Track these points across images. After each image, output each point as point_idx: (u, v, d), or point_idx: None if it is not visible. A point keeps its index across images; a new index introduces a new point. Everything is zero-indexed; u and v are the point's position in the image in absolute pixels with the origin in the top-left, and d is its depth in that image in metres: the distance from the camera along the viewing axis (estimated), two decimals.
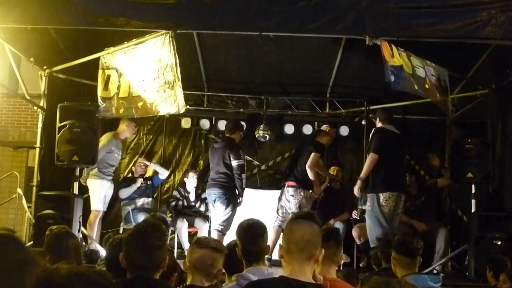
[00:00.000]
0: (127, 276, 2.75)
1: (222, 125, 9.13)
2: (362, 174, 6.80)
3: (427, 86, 6.48)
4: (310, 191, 7.70)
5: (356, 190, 6.90)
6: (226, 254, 3.54)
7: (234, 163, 7.62)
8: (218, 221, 7.58)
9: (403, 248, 4.07)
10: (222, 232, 7.46)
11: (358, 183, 6.83)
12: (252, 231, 3.43)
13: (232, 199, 7.58)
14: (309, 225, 2.58)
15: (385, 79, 6.03)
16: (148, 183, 8.62)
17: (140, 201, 8.36)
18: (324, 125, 8.45)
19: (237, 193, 7.61)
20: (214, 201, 7.63)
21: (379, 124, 7.10)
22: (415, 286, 1.86)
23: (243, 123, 9.42)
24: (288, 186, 7.70)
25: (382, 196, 6.67)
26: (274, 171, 9.84)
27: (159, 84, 6.51)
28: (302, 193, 7.62)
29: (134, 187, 8.35)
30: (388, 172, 6.75)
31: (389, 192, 6.68)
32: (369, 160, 6.75)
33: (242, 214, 7.20)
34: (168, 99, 6.52)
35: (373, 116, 7.26)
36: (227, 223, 7.51)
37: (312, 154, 7.64)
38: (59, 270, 1.51)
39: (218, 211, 7.62)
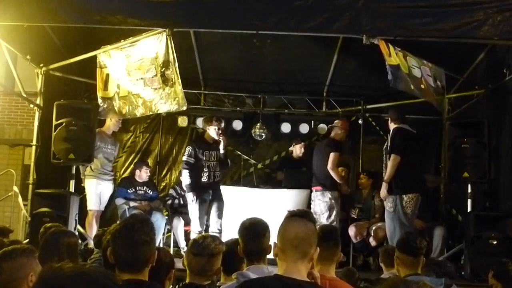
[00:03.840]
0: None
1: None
2: (387, 177, 6.67)
3: (422, 86, 6.49)
4: (337, 191, 7.69)
5: (383, 194, 6.76)
6: (223, 252, 3.54)
7: None
8: None
9: (406, 246, 4.06)
10: (193, 231, 7.47)
11: (384, 186, 6.71)
12: (254, 230, 3.43)
13: (187, 198, 7.56)
14: (303, 223, 2.55)
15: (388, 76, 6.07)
16: (148, 191, 8.48)
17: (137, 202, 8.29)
18: (336, 120, 8.28)
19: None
20: None
21: (392, 124, 7.00)
22: (432, 287, 1.84)
23: (239, 122, 9.45)
24: (316, 191, 7.76)
25: (405, 198, 6.63)
26: (271, 170, 9.85)
27: (157, 82, 6.51)
28: (329, 195, 7.63)
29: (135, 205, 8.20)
30: (409, 173, 6.68)
31: (411, 194, 6.65)
32: (393, 162, 6.61)
33: (239, 213, 7.19)
34: (168, 97, 6.53)
35: (386, 116, 7.17)
36: (192, 221, 7.51)
37: (332, 154, 7.63)
38: (63, 269, 1.48)
39: None
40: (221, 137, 7.52)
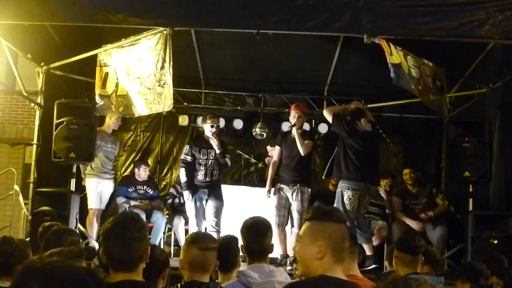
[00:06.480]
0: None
1: (220, 123, 9.14)
2: None
3: (420, 87, 6.50)
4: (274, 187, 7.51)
5: None
6: (218, 250, 3.54)
7: None
8: None
9: (405, 245, 4.06)
10: (191, 230, 7.44)
11: None
12: (256, 229, 3.43)
13: (184, 196, 7.57)
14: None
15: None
16: (149, 190, 8.48)
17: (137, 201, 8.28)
18: None
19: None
20: None
21: None
22: (433, 285, 1.84)
23: (240, 121, 9.43)
24: None
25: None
26: None
27: (151, 82, 6.51)
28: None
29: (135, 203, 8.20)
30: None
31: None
32: None
33: (239, 212, 7.19)
34: (159, 97, 6.52)
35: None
36: (190, 220, 7.51)
37: None
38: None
39: None
40: (212, 136, 7.36)
